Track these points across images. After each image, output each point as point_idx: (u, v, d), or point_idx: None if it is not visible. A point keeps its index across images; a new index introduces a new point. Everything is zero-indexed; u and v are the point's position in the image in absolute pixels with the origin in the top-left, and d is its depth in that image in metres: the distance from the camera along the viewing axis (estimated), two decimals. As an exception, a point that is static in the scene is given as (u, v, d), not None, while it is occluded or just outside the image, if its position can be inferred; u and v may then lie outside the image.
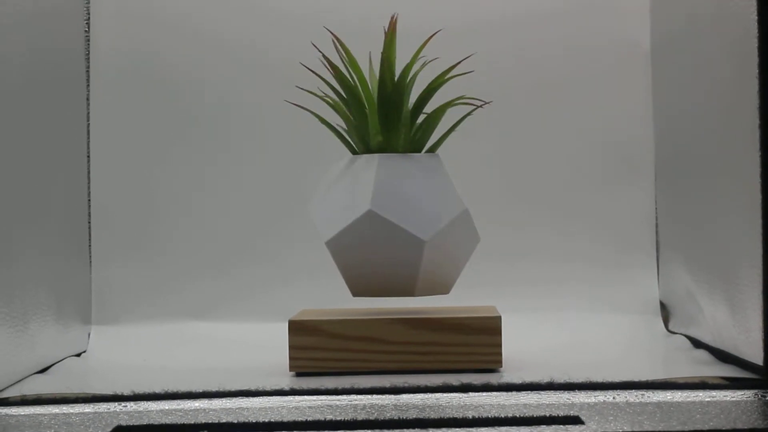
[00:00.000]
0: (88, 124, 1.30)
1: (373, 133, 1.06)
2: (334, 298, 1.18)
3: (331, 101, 1.09)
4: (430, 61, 1.08)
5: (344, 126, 1.09)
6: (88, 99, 1.30)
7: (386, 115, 1.06)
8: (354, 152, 1.09)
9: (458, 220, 1.06)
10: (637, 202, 1.32)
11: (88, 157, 1.30)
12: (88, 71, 1.30)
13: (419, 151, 1.08)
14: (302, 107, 1.09)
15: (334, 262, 1.07)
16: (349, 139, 1.09)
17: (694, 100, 1.13)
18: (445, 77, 1.08)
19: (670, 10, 1.23)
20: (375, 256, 1.05)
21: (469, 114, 1.09)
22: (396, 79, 1.06)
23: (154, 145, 1.32)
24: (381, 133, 1.06)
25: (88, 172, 1.30)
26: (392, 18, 1.07)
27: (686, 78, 1.17)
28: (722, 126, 1.04)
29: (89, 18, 1.30)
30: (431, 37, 1.08)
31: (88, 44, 1.30)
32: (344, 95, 1.07)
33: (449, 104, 1.08)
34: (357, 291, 1.07)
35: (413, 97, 1.08)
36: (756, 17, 0.94)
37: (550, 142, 1.33)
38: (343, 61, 1.07)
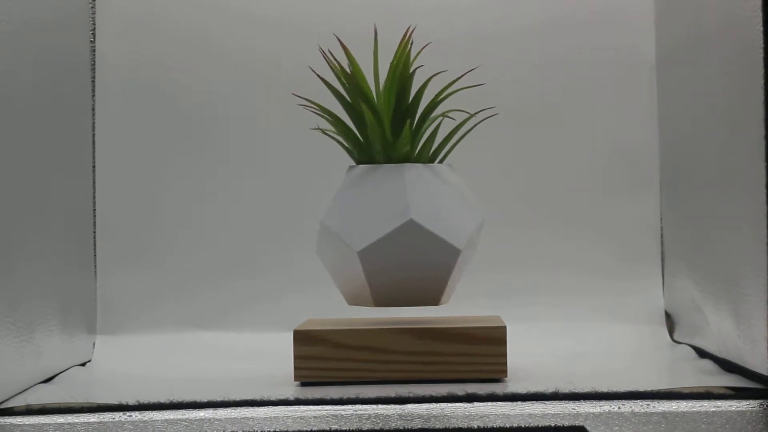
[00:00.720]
0: (94, 135, 1.30)
1: (402, 143, 1.06)
2: (338, 308, 1.18)
3: (331, 113, 1.08)
4: (437, 73, 1.08)
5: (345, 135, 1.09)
6: (93, 109, 1.30)
7: (407, 126, 1.06)
8: (364, 162, 1.08)
9: (479, 229, 1.07)
10: (642, 212, 1.32)
11: (93, 167, 1.30)
12: (93, 82, 1.30)
13: (434, 161, 1.08)
14: (317, 113, 1.09)
15: (363, 272, 1.05)
16: (372, 149, 1.08)
17: (699, 111, 1.13)
18: (450, 89, 1.07)
19: (676, 21, 1.23)
20: (409, 265, 1.05)
21: (474, 126, 1.09)
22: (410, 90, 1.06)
23: (158, 156, 1.32)
24: (410, 143, 1.07)
25: (93, 182, 1.30)
26: (408, 29, 1.07)
27: (691, 89, 1.17)
28: (727, 136, 1.04)
29: (95, 29, 1.31)
30: (422, 49, 1.08)
31: (94, 55, 1.31)
32: (357, 105, 1.06)
33: (470, 117, 1.08)
34: (381, 301, 1.06)
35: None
36: (761, 28, 0.94)
37: (556, 152, 1.33)
38: (335, 73, 1.07)
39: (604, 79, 1.33)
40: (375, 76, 1.08)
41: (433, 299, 1.06)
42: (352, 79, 1.06)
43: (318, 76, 1.08)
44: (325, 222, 1.06)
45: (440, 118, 1.08)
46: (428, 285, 1.06)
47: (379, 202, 1.05)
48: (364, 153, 1.08)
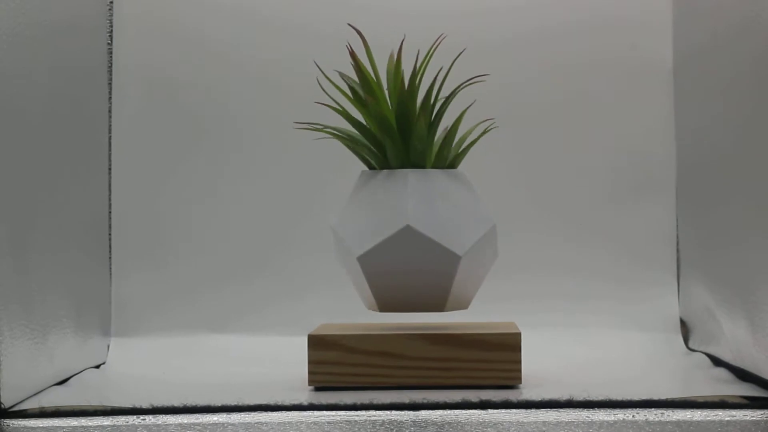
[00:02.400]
0: (110, 137, 1.31)
1: (455, 148, 1.07)
2: (351, 311, 1.18)
3: (358, 122, 1.07)
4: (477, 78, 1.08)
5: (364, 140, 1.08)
6: (110, 112, 1.31)
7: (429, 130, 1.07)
8: (389, 166, 1.07)
9: None
10: (658, 219, 1.31)
11: (110, 169, 1.30)
12: (110, 85, 1.31)
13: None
14: (328, 132, 1.09)
15: (457, 277, 1.05)
16: (421, 155, 1.07)
17: (716, 117, 1.13)
18: (451, 97, 1.07)
19: (693, 26, 1.23)
20: (481, 268, 1.07)
21: (484, 133, 1.09)
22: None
23: (174, 158, 1.33)
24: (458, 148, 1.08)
25: (109, 184, 1.30)
26: (439, 37, 1.06)
27: (708, 94, 1.17)
28: (744, 143, 1.03)
29: (112, 31, 1.31)
30: (459, 55, 1.07)
31: (111, 58, 1.31)
32: (397, 111, 1.06)
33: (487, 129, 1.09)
34: (455, 305, 1.07)
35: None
36: (779, 34, 0.94)
37: (571, 157, 1.33)
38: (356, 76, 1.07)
39: (621, 84, 1.33)
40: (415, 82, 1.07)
41: (466, 304, 1.08)
42: (389, 84, 1.05)
43: (343, 86, 1.07)
44: (416, 227, 1.03)
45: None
46: (474, 289, 1.07)
47: (462, 206, 1.05)
48: (402, 159, 1.06)
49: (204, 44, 1.33)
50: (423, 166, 1.06)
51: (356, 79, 1.06)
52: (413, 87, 1.05)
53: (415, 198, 1.04)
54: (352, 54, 1.05)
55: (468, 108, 1.08)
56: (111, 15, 1.31)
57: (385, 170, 1.06)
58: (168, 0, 1.33)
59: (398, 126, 1.05)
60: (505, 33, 1.33)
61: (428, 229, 1.03)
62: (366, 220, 1.05)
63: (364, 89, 1.05)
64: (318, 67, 1.08)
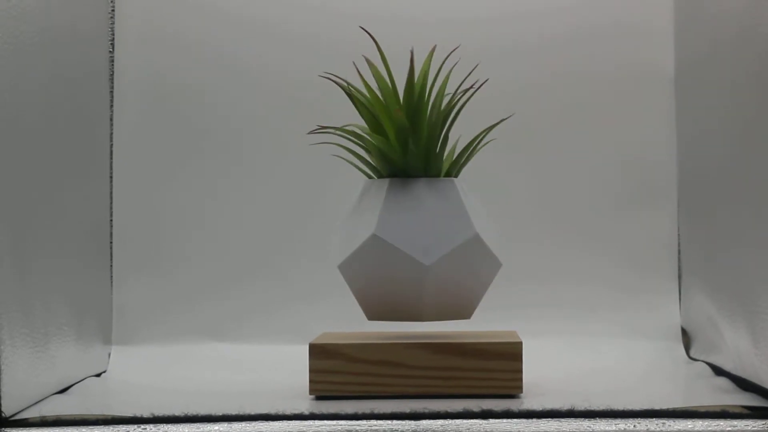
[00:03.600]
0: (111, 145, 1.31)
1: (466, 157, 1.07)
2: (353, 320, 1.18)
3: (374, 128, 1.06)
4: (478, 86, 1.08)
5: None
6: (111, 119, 1.31)
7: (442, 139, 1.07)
8: (414, 175, 1.07)
9: None
10: (659, 227, 1.31)
11: (111, 176, 1.30)
12: (111, 92, 1.31)
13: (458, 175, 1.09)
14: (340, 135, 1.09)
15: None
16: (435, 164, 1.06)
17: (718, 125, 1.13)
18: (456, 98, 1.07)
19: (694, 34, 1.23)
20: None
21: (485, 144, 1.09)
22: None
23: (175, 166, 1.33)
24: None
25: (111, 192, 1.30)
26: (433, 48, 1.06)
27: (710, 102, 1.17)
28: (746, 151, 1.03)
29: (113, 39, 1.31)
30: (455, 64, 1.07)
31: (112, 65, 1.31)
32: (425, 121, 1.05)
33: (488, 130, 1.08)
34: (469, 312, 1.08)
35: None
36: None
37: (573, 166, 1.33)
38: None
39: (622, 93, 1.33)
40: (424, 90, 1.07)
41: (470, 312, 1.08)
42: (438, 100, 1.06)
43: (352, 91, 1.07)
44: (481, 236, 1.04)
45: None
46: (475, 298, 1.07)
47: (486, 214, 1.07)
48: (438, 167, 1.06)
49: (205, 52, 1.33)
50: (450, 175, 1.07)
51: (364, 91, 1.06)
52: (440, 98, 1.05)
53: (471, 207, 1.05)
54: (383, 61, 1.06)
55: (505, 120, 1.09)
56: (112, 23, 1.31)
57: (422, 179, 1.05)
58: (169, 8, 1.33)
59: (441, 135, 1.06)
60: (507, 41, 1.33)
61: (487, 238, 1.05)
62: (430, 229, 1.03)
63: (405, 98, 1.05)
64: (355, 89, 1.08)
